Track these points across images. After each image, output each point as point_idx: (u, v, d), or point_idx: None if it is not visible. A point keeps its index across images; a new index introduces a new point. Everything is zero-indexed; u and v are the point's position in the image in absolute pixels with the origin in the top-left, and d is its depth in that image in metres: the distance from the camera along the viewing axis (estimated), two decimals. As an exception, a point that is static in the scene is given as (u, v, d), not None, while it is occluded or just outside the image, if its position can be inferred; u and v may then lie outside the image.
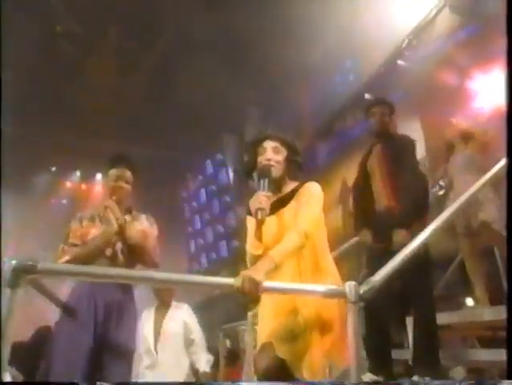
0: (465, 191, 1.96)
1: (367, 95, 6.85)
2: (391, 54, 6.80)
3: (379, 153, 2.57)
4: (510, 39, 1.68)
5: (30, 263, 1.08)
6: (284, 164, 1.65)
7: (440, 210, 1.83)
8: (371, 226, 2.49)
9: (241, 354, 3.92)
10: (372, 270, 1.43)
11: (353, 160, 2.88)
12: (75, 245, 2.02)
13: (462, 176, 2.91)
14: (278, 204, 1.61)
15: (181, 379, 2.69)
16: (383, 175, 2.47)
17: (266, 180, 1.56)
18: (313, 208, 1.56)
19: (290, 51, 7.04)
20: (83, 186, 12.22)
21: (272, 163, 1.62)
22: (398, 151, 2.49)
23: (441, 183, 5.60)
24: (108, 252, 2.05)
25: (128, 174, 2.16)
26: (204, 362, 2.81)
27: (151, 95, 9.55)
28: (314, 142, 8.71)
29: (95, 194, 11.60)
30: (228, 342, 4.47)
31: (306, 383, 1.58)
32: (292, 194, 1.62)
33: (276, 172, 1.62)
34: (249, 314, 2.82)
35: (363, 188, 2.59)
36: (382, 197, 2.46)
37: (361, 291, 1.37)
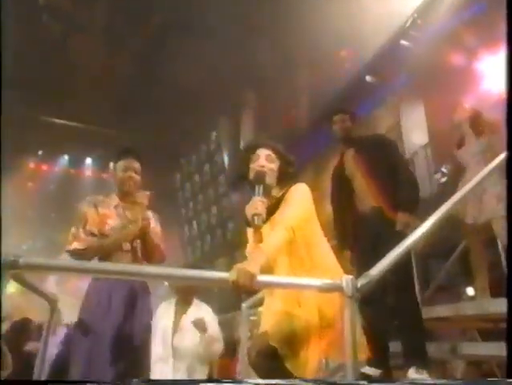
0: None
1: (368, 77, 6.80)
2: (394, 34, 6.72)
3: (354, 156, 2.70)
4: (510, 26, 1.65)
5: (12, 258, 1.07)
6: (277, 173, 1.73)
7: (443, 198, 1.82)
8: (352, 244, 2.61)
9: (236, 345, 3.96)
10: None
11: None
12: (93, 234, 2.00)
13: (476, 164, 2.91)
14: (270, 212, 1.66)
15: (193, 376, 2.74)
16: (364, 175, 2.57)
17: (261, 186, 1.62)
18: (299, 205, 1.61)
19: (289, 32, 6.95)
20: (72, 171, 12.16)
21: (265, 170, 1.69)
22: (375, 150, 2.62)
23: (443, 170, 5.63)
24: (126, 246, 2.06)
25: (137, 165, 2.20)
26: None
27: (142, 77, 9.43)
28: (314, 126, 8.67)
29: (84, 179, 11.56)
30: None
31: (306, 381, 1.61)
32: (280, 199, 1.69)
33: (269, 179, 1.69)
34: (244, 305, 2.84)
35: (343, 198, 2.70)
36: (368, 198, 2.54)
37: (358, 285, 1.37)
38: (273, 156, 1.73)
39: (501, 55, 4.61)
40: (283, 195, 1.69)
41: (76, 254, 1.94)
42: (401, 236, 2.23)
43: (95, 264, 1.67)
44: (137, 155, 2.21)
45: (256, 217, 1.54)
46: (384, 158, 2.57)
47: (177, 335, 2.79)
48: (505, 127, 1.64)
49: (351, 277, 1.37)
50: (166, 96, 9.39)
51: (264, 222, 1.60)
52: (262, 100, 9.55)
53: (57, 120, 9.79)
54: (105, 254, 1.98)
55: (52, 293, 1.89)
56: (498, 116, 3.04)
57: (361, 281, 1.38)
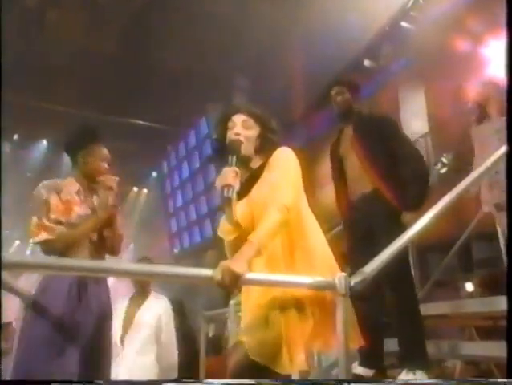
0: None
1: (366, 61, 6.76)
2: (394, 15, 6.66)
3: (351, 135, 2.58)
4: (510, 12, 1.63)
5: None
6: (256, 141, 1.61)
7: (444, 189, 1.81)
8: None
9: (223, 343, 3.97)
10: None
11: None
12: (60, 223, 1.92)
13: (497, 142, 2.89)
14: (249, 184, 1.56)
15: (144, 376, 2.68)
16: (360, 157, 2.48)
17: (235, 157, 1.50)
18: (288, 175, 1.50)
19: (282, 11, 6.86)
20: (51, 157, 11.97)
21: (241, 138, 1.57)
22: (375, 129, 2.50)
23: (444, 160, 5.64)
24: (94, 237, 2.01)
25: (106, 151, 2.12)
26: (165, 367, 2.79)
27: (126, 56, 9.27)
28: (307, 111, 8.64)
29: (64, 166, 11.39)
30: (211, 330, 4.53)
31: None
32: (262, 168, 1.57)
33: (245, 149, 1.57)
34: (232, 302, 2.82)
35: (336, 180, 2.63)
36: (360, 183, 2.48)
37: (352, 283, 1.36)
38: (251, 121, 1.60)
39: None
40: (263, 165, 1.57)
41: (47, 246, 1.87)
42: (395, 227, 2.24)
43: (69, 261, 1.62)
44: (101, 139, 2.14)
45: (226, 189, 1.42)
46: (385, 142, 2.46)
47: (128, 334, 2.74)
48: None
49: (344, 274, 1.36)
50: (152, 79, 9.25)
51: (238, 198, 1.51)
52: (254, 84, 9.46)
53: (34, 102, 9.59)
54: (73, 244, 1.92)
55: (26, 290, 1.85)
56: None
57: (355, 279, 1.37)
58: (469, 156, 3.12)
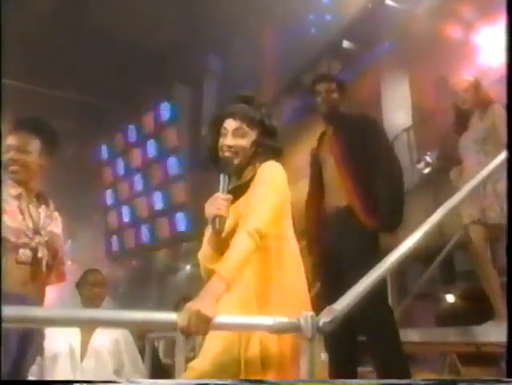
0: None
1: (345, 43, 6.74)
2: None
3: (332, 139, 2.56)
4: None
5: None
6: (252, 149, 1.60)
7: (426, 192, 1.78)
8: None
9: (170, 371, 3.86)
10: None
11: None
12: None
13: (475, 154, 2.87)
14: (235, 195, 1.54)
15: None
16: (338, 166, 2.45)
17: (227, 178, 1.50)
18: (269, 196, 1.49)
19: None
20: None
21: (233, 150, 1.57)
22: (356, 134, 2.48)
23: (428, 158, 5.69)
24: (25, 256, 1.83)
25: (33, 142, 1.93)
26: None
27: (73, 23, 8.90)
28: (277, 97, 8.57)
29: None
30: (160, 355, 4.38)
31: None
32: (250, 181, 1.58)
33: (239, 161, 1.58)
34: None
35: (311, 190, 2.59)
36: (339, 194, 2.43)
37: (320, 323, 1.28)
38: (244, 128, 1.58)
39: (501, 27, 4.64)
40: (253, 177, 1.57)
41: None
42: (370, 251, 2.19)
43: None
44: (35, 127, 1.96)
45: (217, 220, 1.44)
46: (368, 149, 2.44)
47: (86, 359, 2.65)
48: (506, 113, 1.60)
49: (310, 313, 1.29)
50: (105, 50, 8.96)
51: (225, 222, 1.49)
52: (224, 66, 9.36)
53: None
54: None
55: None
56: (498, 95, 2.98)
57: (323, 319, 1.30)
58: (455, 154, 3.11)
